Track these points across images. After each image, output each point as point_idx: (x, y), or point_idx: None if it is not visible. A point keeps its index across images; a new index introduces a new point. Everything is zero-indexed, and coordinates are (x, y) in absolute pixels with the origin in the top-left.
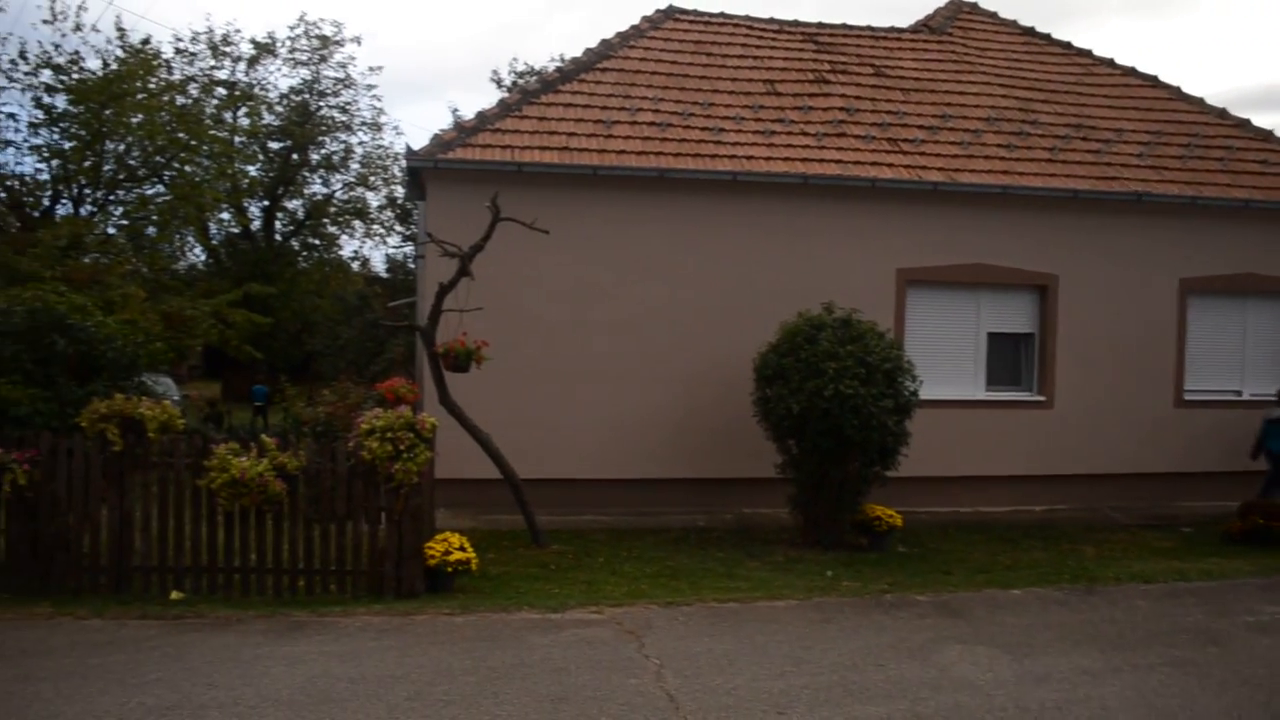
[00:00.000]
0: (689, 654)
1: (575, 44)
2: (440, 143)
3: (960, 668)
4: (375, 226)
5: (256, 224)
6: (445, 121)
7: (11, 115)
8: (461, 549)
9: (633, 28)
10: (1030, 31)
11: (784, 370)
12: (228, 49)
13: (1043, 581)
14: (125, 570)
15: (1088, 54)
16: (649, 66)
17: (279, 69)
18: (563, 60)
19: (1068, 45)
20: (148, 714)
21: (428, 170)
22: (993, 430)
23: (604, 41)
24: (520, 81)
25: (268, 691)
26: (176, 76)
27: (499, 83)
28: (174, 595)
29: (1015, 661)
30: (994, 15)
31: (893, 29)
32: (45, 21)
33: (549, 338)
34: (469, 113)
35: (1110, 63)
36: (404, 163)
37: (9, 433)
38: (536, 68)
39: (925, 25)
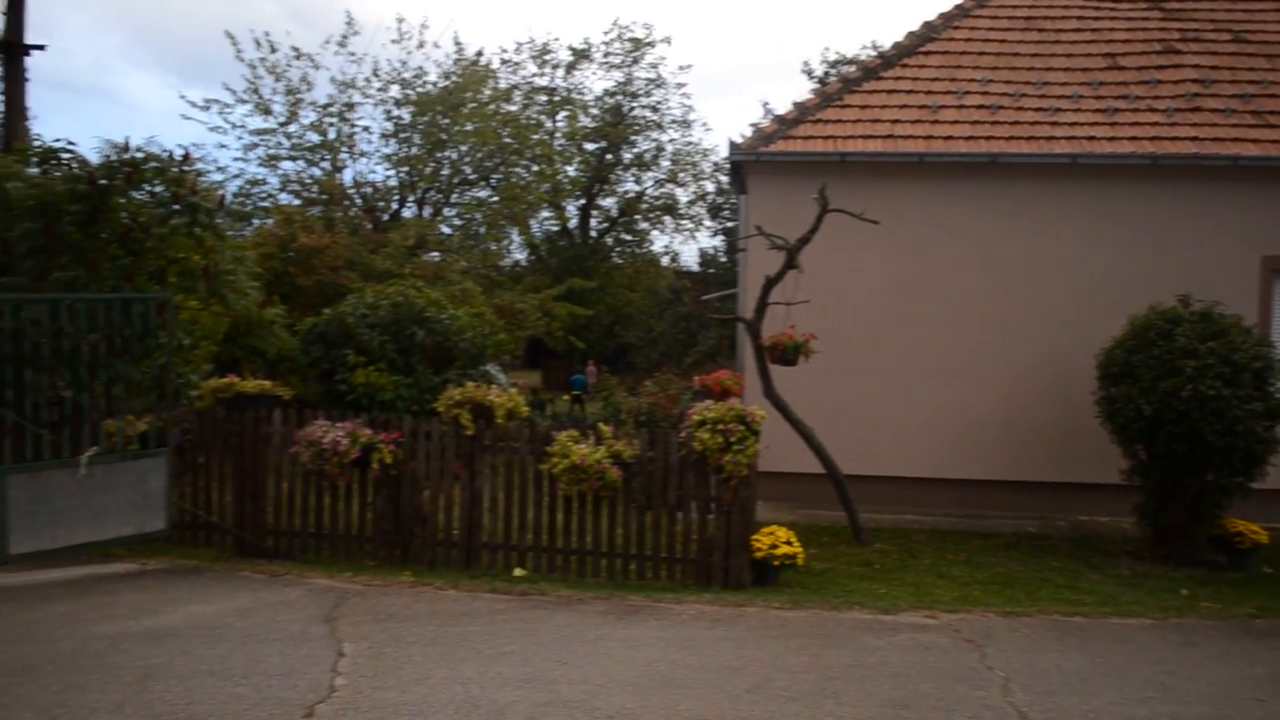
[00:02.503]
0: (1036, 669)
1: (887, 30)
2: (761, 135)
3: None
4: (684, 221)
5: (573, 222)
6: (751, 115)
7: (366, 128)
8: (788, 543)
9: (956, 7)
10: None
11: (1133, 368)
12: (547, 57)
13: None
14: (475, 546)
15: None
16: (975, 46)
17: (594, 73)
18: (875, 47)
19: None
20: (505, 684)
21: (749, 163)
22: None
23: (926, 23)
24: (833, 71)
25: (613, 672)
26: (503, 85)
27: (810, 73)
28: (517, 572)
29: None
30: None
31: None
32: (393, 41)
33: (872, 331)
34: (779, 106)
35: None
36: (713, 158)
37: (377, 416)
38: (849, 56)
39: None
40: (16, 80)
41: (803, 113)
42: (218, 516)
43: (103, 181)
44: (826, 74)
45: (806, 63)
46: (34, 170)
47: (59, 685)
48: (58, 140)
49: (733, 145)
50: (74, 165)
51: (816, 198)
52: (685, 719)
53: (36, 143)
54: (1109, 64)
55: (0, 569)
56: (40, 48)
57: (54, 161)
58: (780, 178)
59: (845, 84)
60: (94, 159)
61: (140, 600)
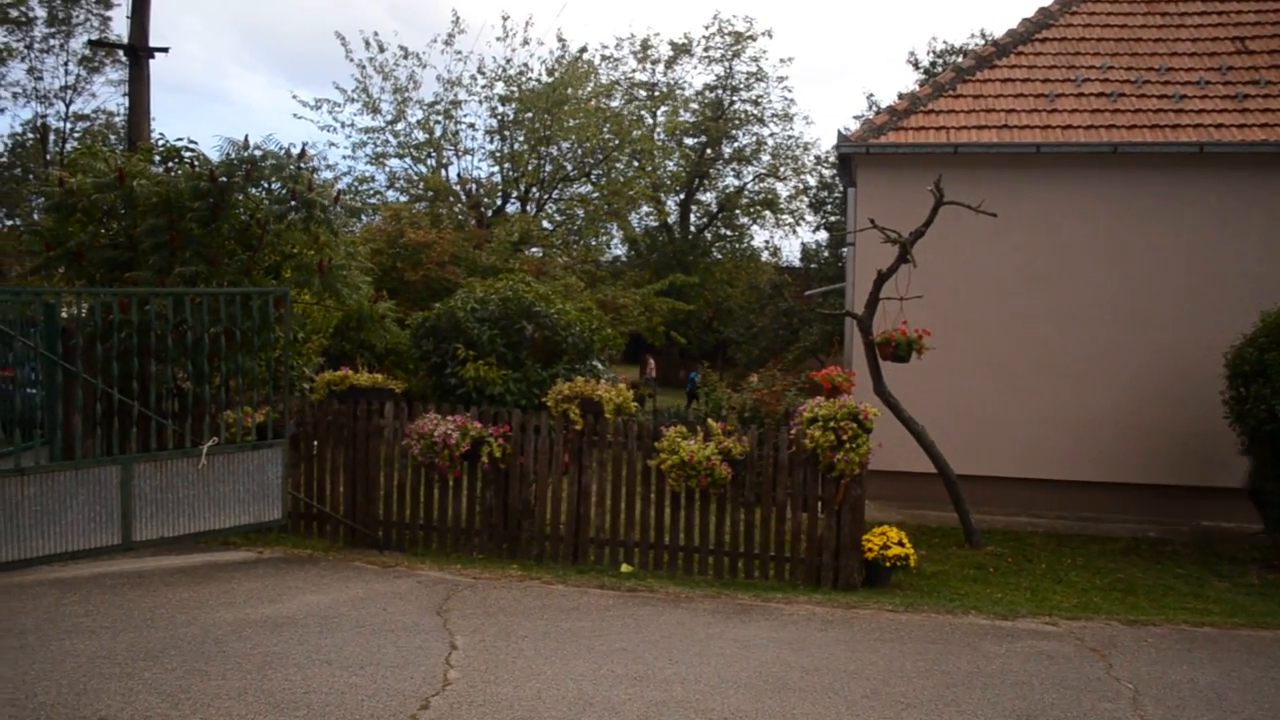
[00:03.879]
0: (1167, 682)
1: (992, 19)
2: (871, 127)
3: None
4: (785, 216)
5: (673, 217)
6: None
7: (471, 125)
8: (900, 544)
9: None
10: None
11: (1266, 366)
12: (648, 52)
13: None
14: (581, 541)
15: None
16: (1094, 33)
17: (694, 67)
18: (985, 36)
19: None
20: (618, 682)
21: (858, 156)
22: None
23: (1041, 10)
24: (940, 61)
25: (725, 673)
26: (604, 81)
27: (916, 64)
28: (624, 568)
29: None
30: None
31: None
32: (498, 39)
33: (986, 327)
34: (883, 98)
35: None
36: (815, 152)
37: (486, 410)
38: (957, 45)
39: None
40: (140, 82)
41: (914, 103)
42: (330, 507)
43: (223, 179)
44: (933, 64)
45: (912, 53)
46: (157, 169)
47: (182, 670)
48: (179, 139)
49: (841, 137)
50: (195, 163)
51: (932, 189)
52: None
53: (160, 142)
54: (1237, 48)
55: (124, 555)
56: (163, 50)
57: (176, 160)
58: (890, 170)
59: (958, 73)
60: (213, 157)
61: (258, 588)
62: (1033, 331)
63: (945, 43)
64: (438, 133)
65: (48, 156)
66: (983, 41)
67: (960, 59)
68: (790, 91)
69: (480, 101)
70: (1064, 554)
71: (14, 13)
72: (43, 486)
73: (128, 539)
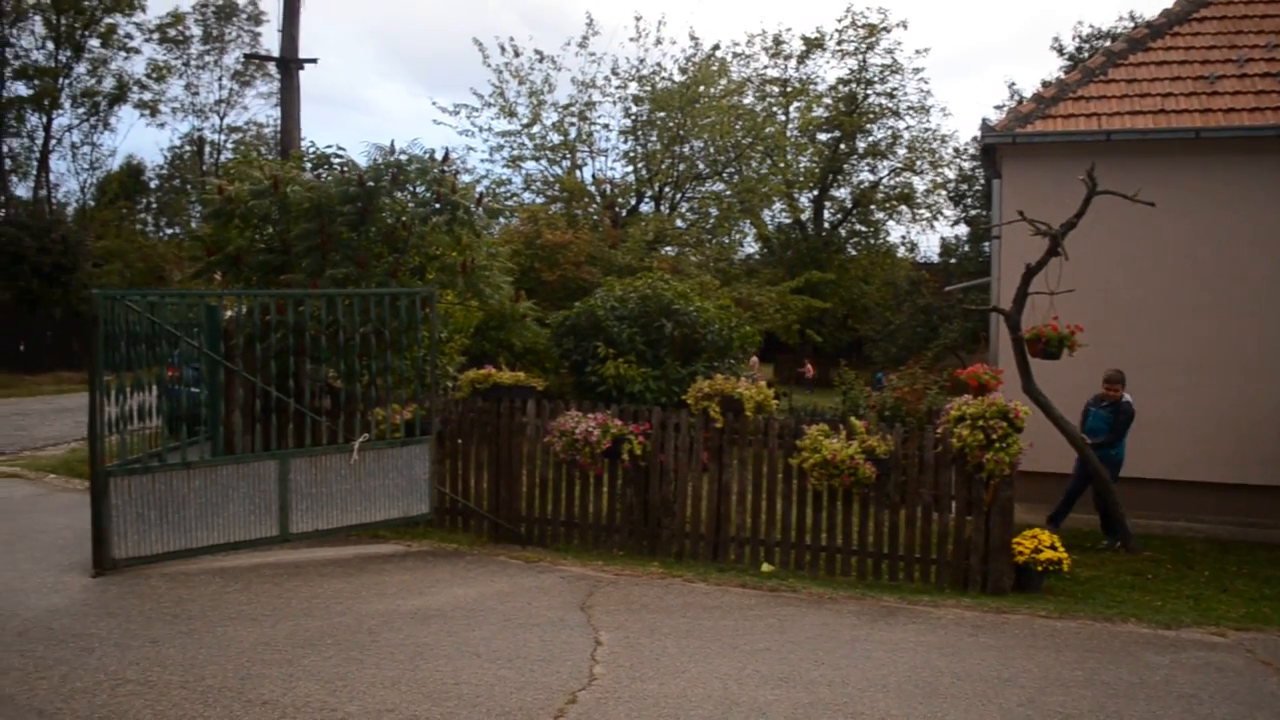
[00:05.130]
0: None
1: (1139, 2)
2: (1017, 116)
3: None
4: (922, 211)
5: (806, 213)
6: (993, 98)
7: (605, 126)
8: (1052, 548)
9: None
10: None
11: None
12: (780, 47)
13: None
14: (722, 539)
15: None
16: (1258, 10)
17: (827, 62)
18: (1134, 18)
19: None
20: (764, 682)
21: (1004, 146)
22: None
23: None
24: (1086, 46)
25: (873, 676)
26: (735, 78)
27: (1060, 49)
28: (765, 568)
29: None
30: None
31: None
32: (631, 39)
33: (1141, 322)
34: (1025, 87)
35: None
36: (952, 144)
37: (626, 407)
38: (1104, 29)
39: None
40: (291, 92)
41: (1062, 90)
42: (474, 503)
43: (371, 183)
44: (1079, 49)
45: (1057, 39)
46: (309, 175)
47: (339, 659)
48: (329, 146)
49: (986, 127)
50: (344, 169)
51: (1084, 179)
52: None
53: (310, 150)
54: None
55: (281, 546)
56: (312, 61)
57: (326, 166)
58: (1038, 160)
59: (1109, 57)
60: (361, 163)
61: (407, 581)
62: (1192, 326)
63: (1092, 27)
64: (572, 134)
65: (204, 167)
66: (1132, 24)
67: (1109, 43)
68: (926, 83)
69: (614, 102)
70: (1228, 561)
71: (172, 32)
72: (206, 480)
73: (285, 531)
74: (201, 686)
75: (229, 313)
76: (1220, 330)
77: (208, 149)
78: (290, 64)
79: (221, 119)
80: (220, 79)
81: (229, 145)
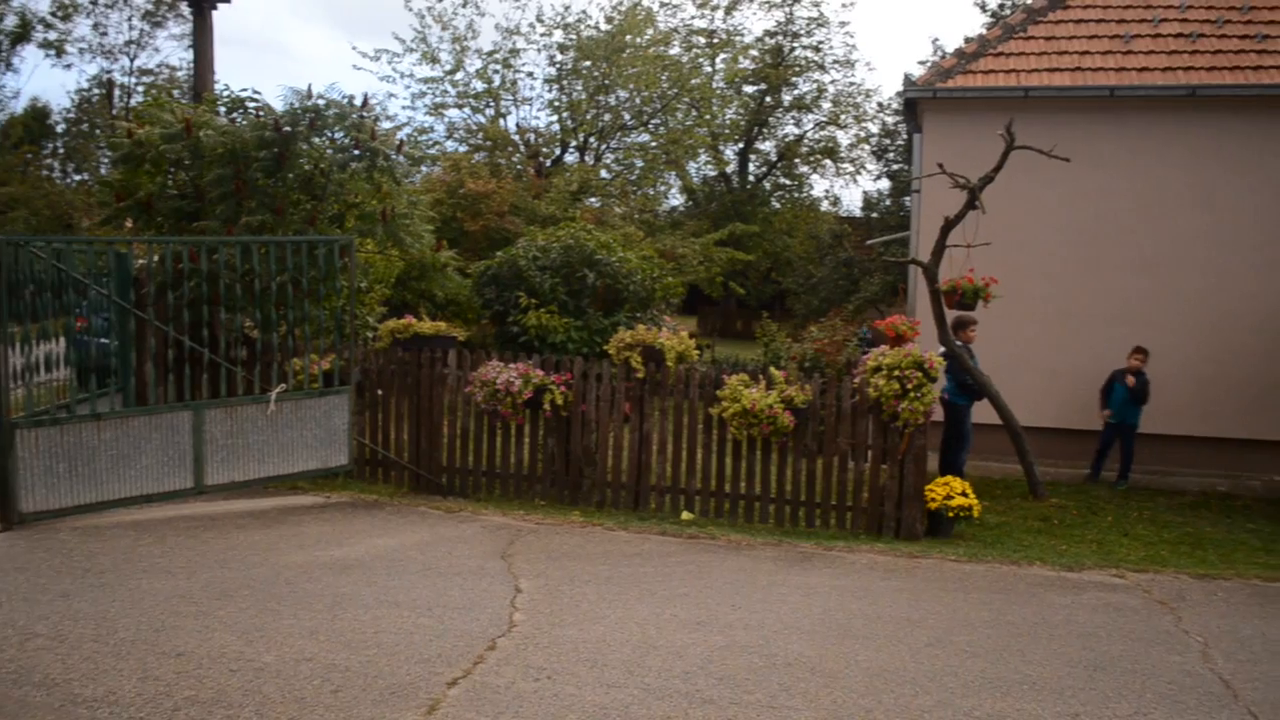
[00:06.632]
0: (1238, 636)
1: None
2: (939, 71)
3: None
4: (846, 165)
5: (731, 166)
6: (918, 53)
7: (530, 74)
8: (963, 494)
9: None
10: None
11: None
12: None
13: None
14: (643, 488)
15: None
16: None
17: (754, 14)
18: None
19: None
20: (681, 626)
21: (925, 100)
22: None
23: None
24: (1008, 3)
25: (788, 619)
26: (662, 28)
27: (983, 6)
28: (685, 515)
29: None
30: None
31: None
32: None
33: (1056, 276)
34: (949, 43)
35: None
36: (877, 99)
37: (548, 357)
38: None
39: None
40: (204, 33)
41: (983, 46)
42: (395, 453)
43: (288, 128)
44: (1002, 6)
45: None
46: (223, 120)
47: (256, 610)
48: (244, 90)
49: (908, 82)
50: (260, 114)
51: (1003, 134)
52: (864, 669)
53: (224, 93)
54: None
55: (196, 498)
56: (225, 1)
57: (241, 111)
58: (958, 115)
59: (1029, 14)
60: (278, 108)
61: (326, 532)
62: (1106, 280)
63: None
64: (496, 82)
65: (114, 111)
66: None
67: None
68: (852, 37)
69: (539, 50)
70: (1130, 507)
71: None
72: (117, 432)
73: (200, 483)
74: (114, 640)
75: (140, 260)
76: (1132, 284)
77: (118, 92)
78: (203, 3)
79: (132, 61)
80: (130, 19)
81: (140, 89)
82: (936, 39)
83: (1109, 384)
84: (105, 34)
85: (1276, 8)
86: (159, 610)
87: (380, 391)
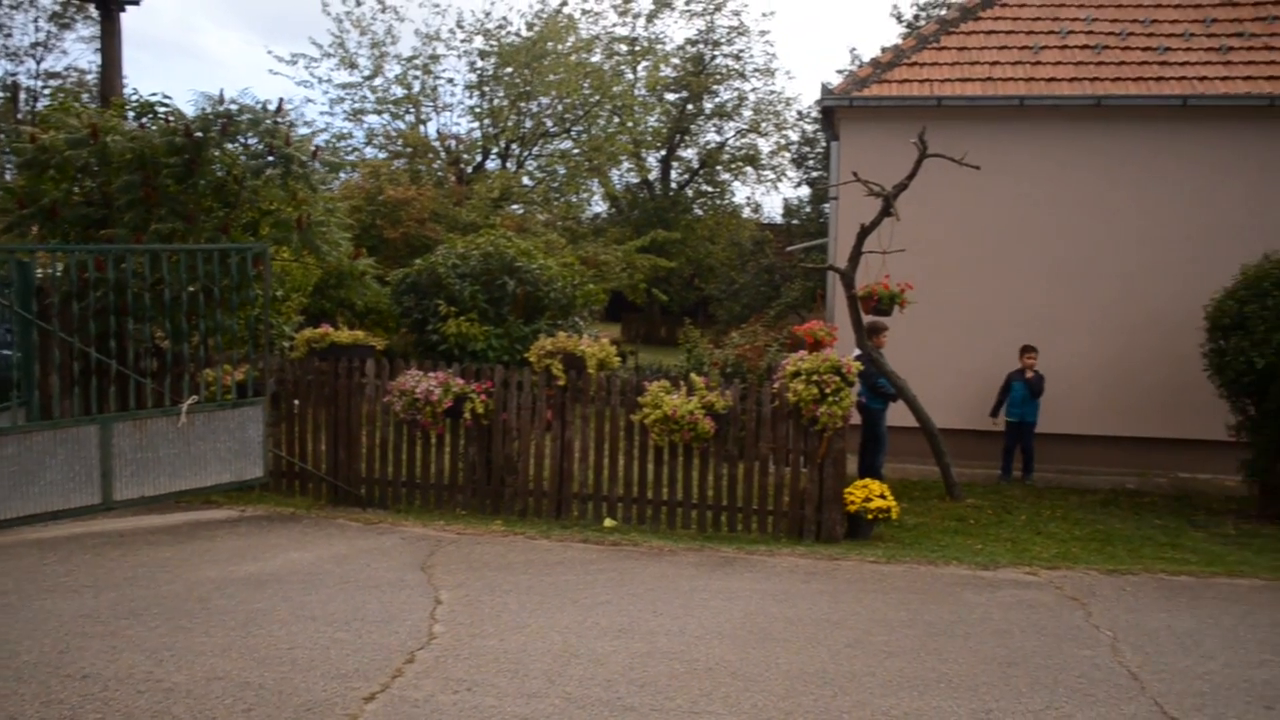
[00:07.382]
0: (1145, 629)
1: None
2: (854, 80)
3: None
4: (766, 172)
5: (654, 173)
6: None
7: (450, 80)
8: (882, 496)
9: None
10: None
11: (1246, 319)
12: (629, 5)
13: None
14: (565, 496)
15: None
16: None
17: (675, 22)
18: None
19: None
20: (603, 634)
21: (842, 109)
22: None
23: None
24: (924, 14)
25: (709, 624)
26: (584, 35)
27: (899, 17)
28: (607, 523)
29: None
30: None
31: None
32: None
33: (969, 281)
34: (866, 52)
35: None
36: (797, 107)
37: (469, 366)
38: None
39: None
40: (113, 36)
41: (898, 56)
42: (312, 465)
43: (199, 134)
44: (917, 17)
45: (895, 6)
46: (132, 125)
47: (166, 628)
48: (154, 94)
49: (825, 90)
50: (170, 119)
51: (915, 142)
52: (785, 672)
53: (133, 98)
54: (1222, 0)
55: (105, 514)
56: (134, 3)
57: (151, 116)
58: (874, 123)
59: (942, 25)
60: (189, 113)
61: (240, 546)
62: (1017, 286)
63: None
64: (416, 88)
65: (19, 116)
66: None
67: (944, 11)
68: (772, 46)
69: (459, 56)
70: (1043, 506)
71: None
72: (20, 447)
73: (108, 498)
74: (16, 663)
75: (44, 270)
76: (1038, 290)
77: (23, 96)
78: (111, 5)
79: (38, 64)
80: (36, 20)
81: (46, 93)
82: (854, 49)
83: (1007, 384)
84: (10, 35)
85: (1177, 21)
86: (64, 631)
87: (297, 402)
